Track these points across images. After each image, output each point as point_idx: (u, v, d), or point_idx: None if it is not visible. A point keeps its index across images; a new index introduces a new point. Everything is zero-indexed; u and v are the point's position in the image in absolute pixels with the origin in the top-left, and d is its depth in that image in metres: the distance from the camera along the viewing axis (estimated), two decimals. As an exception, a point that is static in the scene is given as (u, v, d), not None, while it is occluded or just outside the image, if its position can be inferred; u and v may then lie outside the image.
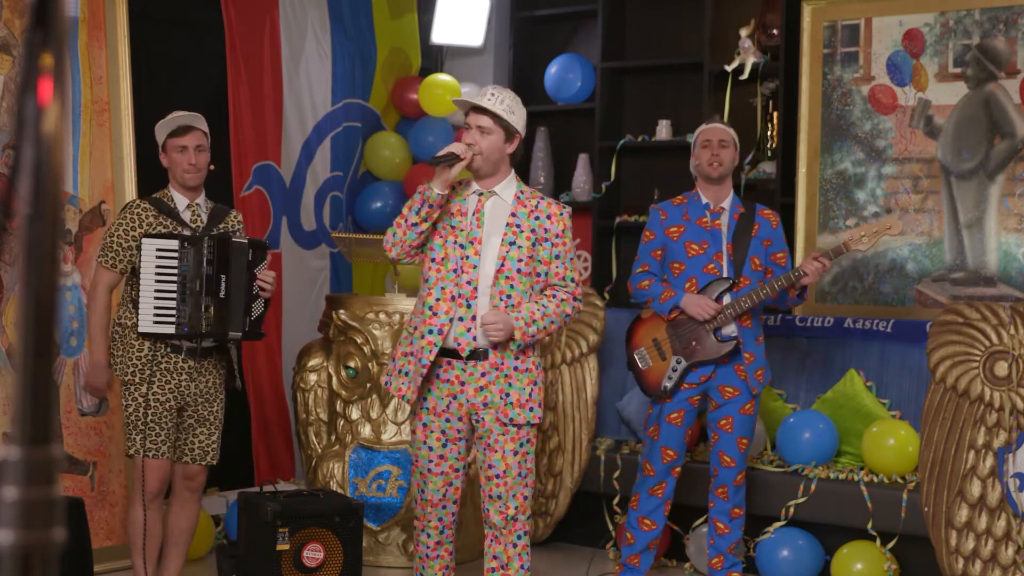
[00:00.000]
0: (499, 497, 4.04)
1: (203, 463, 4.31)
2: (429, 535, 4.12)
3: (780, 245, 4.71)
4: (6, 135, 4.64)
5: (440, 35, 6.57)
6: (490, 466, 4.03)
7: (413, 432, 4.11)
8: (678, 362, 4.63)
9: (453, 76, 6.52)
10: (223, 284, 4.14)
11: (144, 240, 4.12)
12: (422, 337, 3.95)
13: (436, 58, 6.89)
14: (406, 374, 4.02)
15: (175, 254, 4.13)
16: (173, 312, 4.13)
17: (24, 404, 0.92)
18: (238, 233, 4.32)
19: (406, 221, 3.92)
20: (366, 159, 6.55)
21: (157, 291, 4.12)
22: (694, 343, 4.60)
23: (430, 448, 4.04)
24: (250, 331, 4.24)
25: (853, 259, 5.54)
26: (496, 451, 4.00)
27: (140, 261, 4.13)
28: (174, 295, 4.13)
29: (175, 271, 4.13)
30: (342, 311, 5.33)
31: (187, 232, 4.19)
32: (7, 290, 4.71)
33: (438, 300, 3.94)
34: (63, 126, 0.93)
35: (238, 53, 5.75)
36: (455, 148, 3.89)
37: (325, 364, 5.43)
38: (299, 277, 6.13)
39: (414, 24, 6.69)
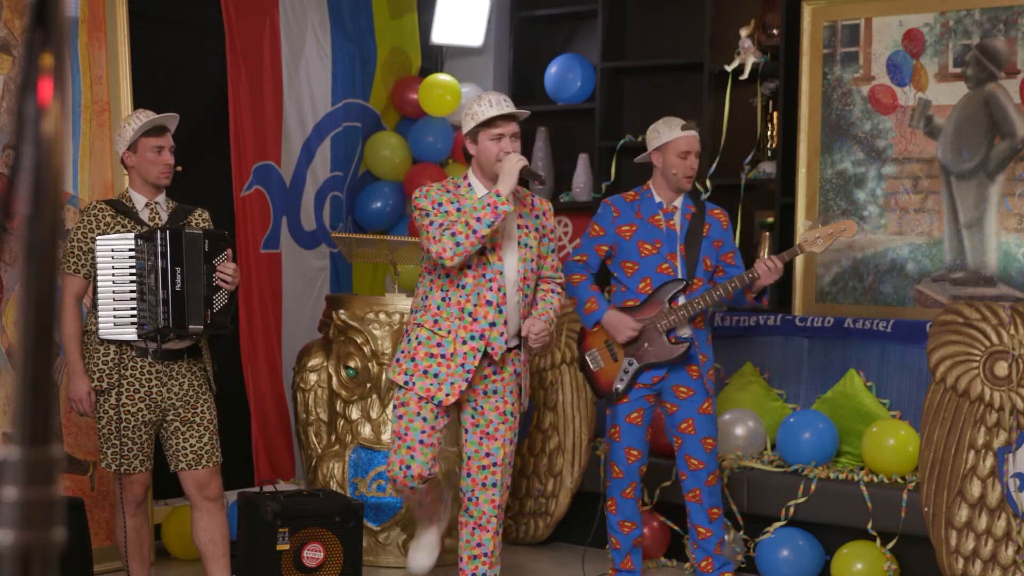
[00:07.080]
0: (494, 485, 4.11)
1: (199, 467, 4.15)
2: (415, 489, 4.13)
3: (730, 245, 4.72)
4: (6, 135, 4.64)
5: (440, 35, 6.57)
6: (488, 454, 4.09)
7: (404, 404, 4.08)
8: (630, 364, 4.59)
9: (453, 76, 6.52)
10: (178, 277, 3.98)
11: (98, 240, 4.01)
12: (464, 343, 4.00)
13: (436, 58, 6.88)
14: (435, 375, 4.03)
15: (131, 253, 4.01)
16: (133, 312, 4.00)
17: (24, 404, 0.92)
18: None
19: (475, 233, 3.88)
20: (366, 159, 6.55)
21: (116, 292, 4.00)
22: (646, 345, 4.56)
23: (424, 419, 4.05)
24: (213, 324, 4.06)
25: (853, 259, 5.55)
26: (496, 439, 4.10)
27: (96, 263, 4.01)
28: (133, 295, 4.00)
29: (132, 270, 4.01)
30: (342, 311, 5.33)
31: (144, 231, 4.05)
32: (7, 290, 4.71)
33: (476, 306, 4.00)
34: (63, 126, 0.93)
35: (238, 53, 5.75)
36: (525, 163, 3.97)
37: (325, 364, 5.43)
38: (299, 277, 6.13)
39: (414, 24, 6.69)
